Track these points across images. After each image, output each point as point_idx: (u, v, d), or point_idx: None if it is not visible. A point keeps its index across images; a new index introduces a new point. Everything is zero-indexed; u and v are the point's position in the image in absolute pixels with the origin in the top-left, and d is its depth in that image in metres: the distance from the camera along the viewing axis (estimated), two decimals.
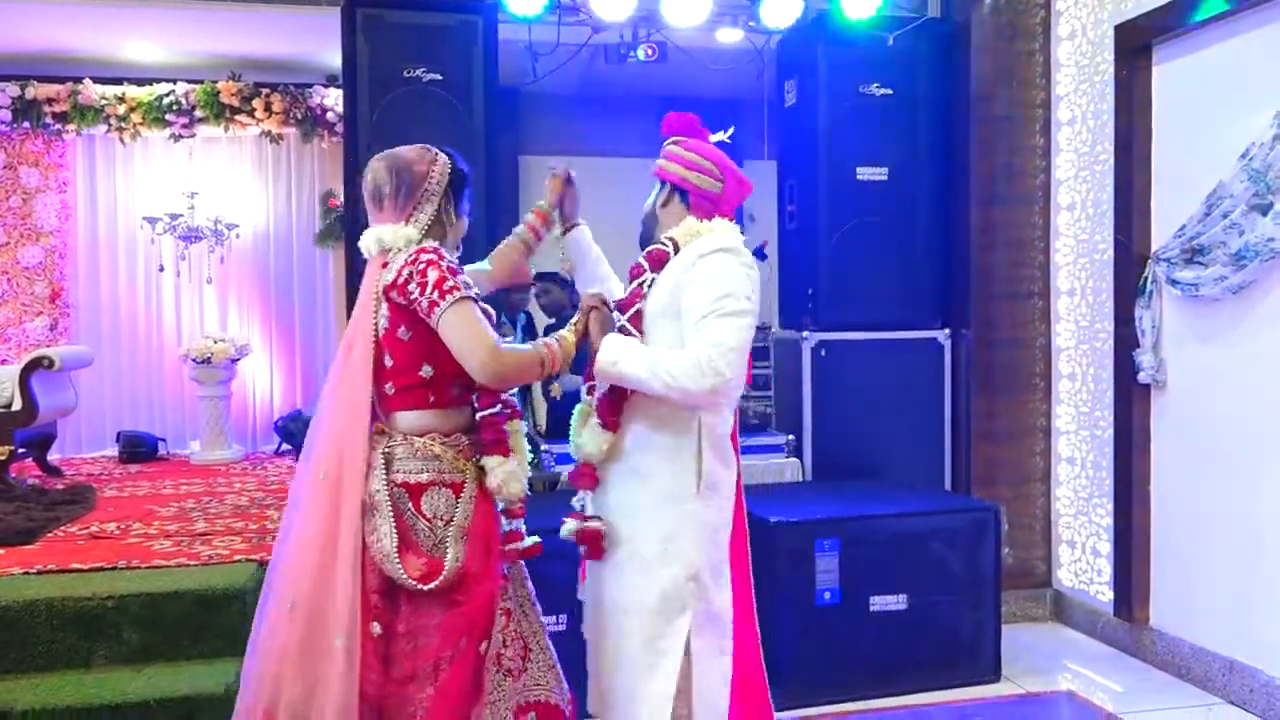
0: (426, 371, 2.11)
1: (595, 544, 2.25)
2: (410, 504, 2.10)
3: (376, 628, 2.06)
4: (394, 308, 2.09)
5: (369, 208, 2.19)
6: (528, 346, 2.16)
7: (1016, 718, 3.48)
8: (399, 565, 2.05)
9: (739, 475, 2.33)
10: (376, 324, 2.11)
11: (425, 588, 2.05)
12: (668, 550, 2.16)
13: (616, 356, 2.14)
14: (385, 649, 2.07)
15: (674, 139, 2.37)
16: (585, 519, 2.26)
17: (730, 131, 2.50)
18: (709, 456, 2.19)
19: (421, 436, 2.12)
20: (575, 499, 2.34)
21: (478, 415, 2.16)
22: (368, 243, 2.16)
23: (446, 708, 2.04)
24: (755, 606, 2.41)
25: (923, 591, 3.66)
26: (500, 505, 2.20)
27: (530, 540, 2.24)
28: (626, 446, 2.24)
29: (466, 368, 2.06)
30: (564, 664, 2.31)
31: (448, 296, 2.02)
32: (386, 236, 2.13)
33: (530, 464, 2.29)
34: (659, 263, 2.23)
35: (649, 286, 2.22)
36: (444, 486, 2.11)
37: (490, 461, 2.15)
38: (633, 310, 2.23)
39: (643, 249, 2.34)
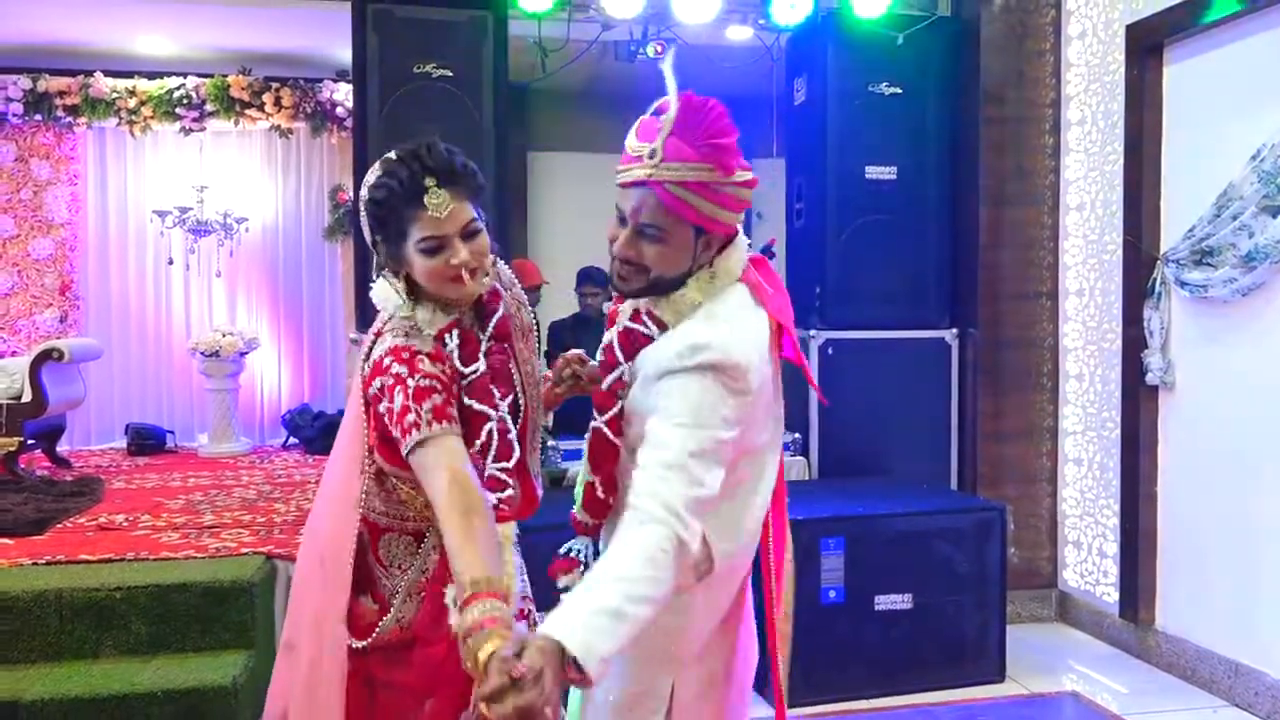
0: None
1: None
2: (370, 544, 1.81)
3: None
4: (372, 411, 1.74)
5: None
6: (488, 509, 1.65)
7: (1021, 718, 3.48)
8: (342, 614, 1.78)
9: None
10: (367, 396, 1.76)
11: (357, 644, 1.77)
12: (666, 648, 1.72)
13: (600, 655, 1.36)
14: (371, 696, 1.83)
15: (729, 175, 1.62)
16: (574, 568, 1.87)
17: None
18: (717, 543, 1.68)
19: (399, 479, 1.77)
20: (572, 544, 1.92)
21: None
22: (374, 299, 1.83)
23: None
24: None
25: (928, 591, 3.66)
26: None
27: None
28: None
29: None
30: None
31: (408, 437, 1.61)
32: (379, 297, 1.78)
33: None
34: (636, 350, 1.71)
35: (629, 378, 1.72)
36: (403, 534, 1.80)
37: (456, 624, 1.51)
38: (610, 413, 1.75)
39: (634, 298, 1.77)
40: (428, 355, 1.68)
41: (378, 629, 1.77)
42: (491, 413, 1.74)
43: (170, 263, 6.54)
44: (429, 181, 1.66)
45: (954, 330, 4.51)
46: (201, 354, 6.02)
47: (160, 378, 6.67)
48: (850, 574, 3.57)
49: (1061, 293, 4.49)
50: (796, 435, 4.43)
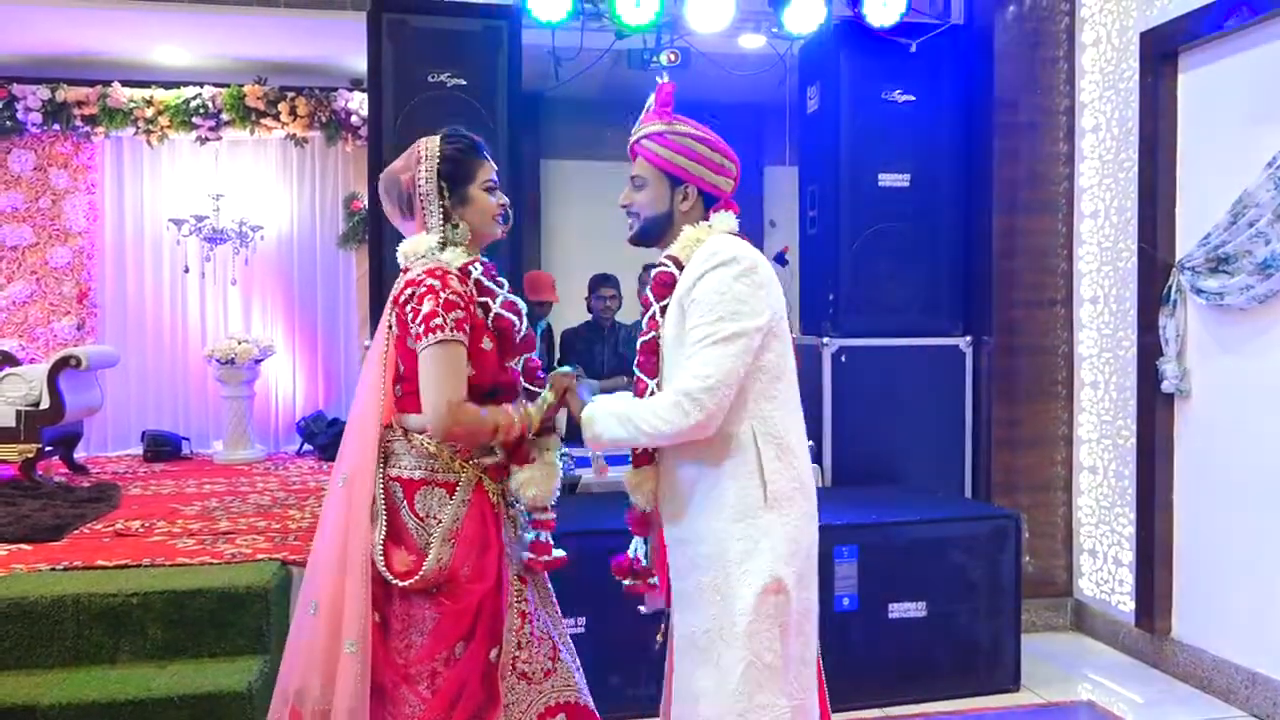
0: None
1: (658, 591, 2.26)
2: (405, 500, 2.13)
3: (376, 616, 2.10)
4: (399, 320, 2.12)
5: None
6: (485, 412, 2.09)
7: None
8: (381, 558, 2.08)
9: None
10: (391, 330, 2.15)
11: (402, 584, 2.07)
12: (746, 570, 2.03)
13: (596, 431, 2.10)
14: (385, 639, 2.12)
15: (670, 123, 2.18)
16: (639, 572, 2.27)
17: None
18: (772, 463, 2.07)
19: (421, 434, 2.13)
20: (631, 547, 2.29)
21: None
22: (399, 256, 2.21)
23: (442, 710, 2.05)
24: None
25: (942, 599, 3.65)
26: (524, 514, 2.24)
27: (557, 554, 2.24)
28: (681, 475, 2.12)
29: (423, 408, 2.07)
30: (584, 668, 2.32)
31: (430, 335, 2.03)
32: (407, 248, 2.18)
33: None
34: (667, 288, 2.13)
35: (661, 315, 2.14)
36: (437, 486, 2.13)
37: (513, 470, 2.19)
38: (646, 339, 2.15)
39: (639, 244, 2.25)
40: (456, 277, 2.10)
41: (421, 571, 2.07)
42: (517, 321, 2.20)
43: (186, 271, 6.58)
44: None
45: (968, 338, 4.50)
46: (217, 361, 6.06)
47: (176, 385, 6.72)
48: (864, 582, 3.56)
49: (1076, 300, 4.48)
50: (810, 442, 4.41)
